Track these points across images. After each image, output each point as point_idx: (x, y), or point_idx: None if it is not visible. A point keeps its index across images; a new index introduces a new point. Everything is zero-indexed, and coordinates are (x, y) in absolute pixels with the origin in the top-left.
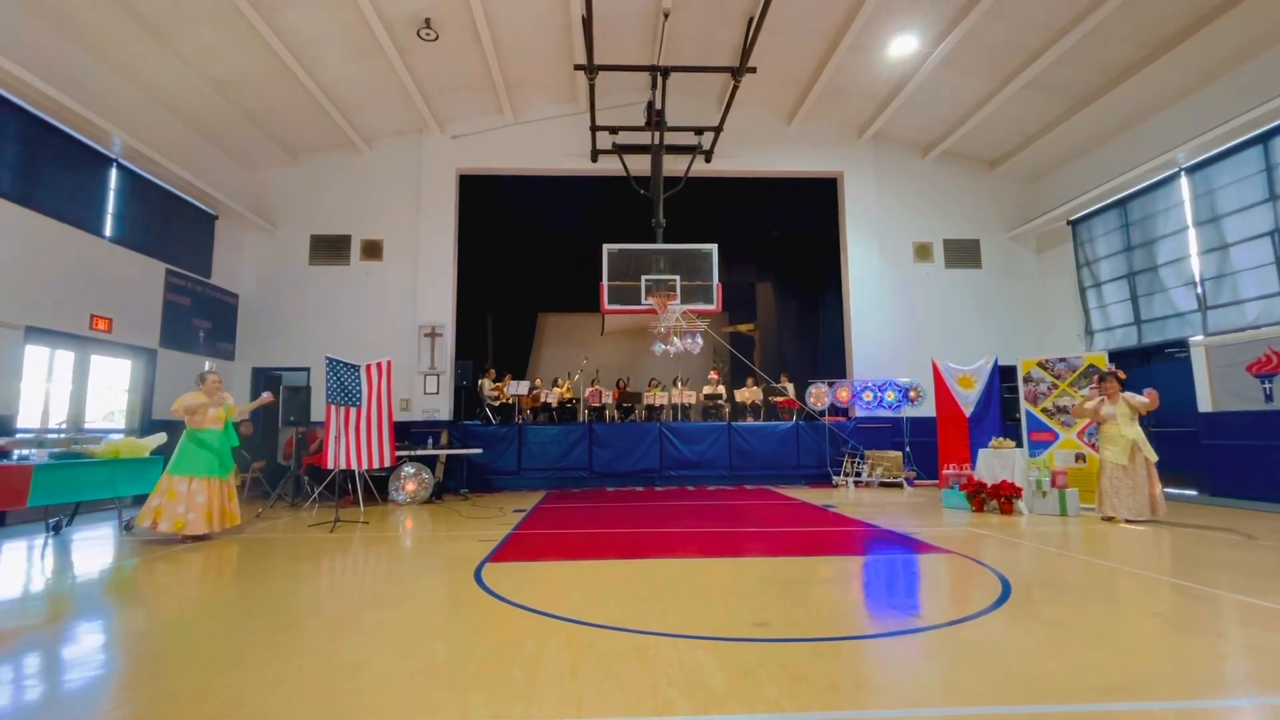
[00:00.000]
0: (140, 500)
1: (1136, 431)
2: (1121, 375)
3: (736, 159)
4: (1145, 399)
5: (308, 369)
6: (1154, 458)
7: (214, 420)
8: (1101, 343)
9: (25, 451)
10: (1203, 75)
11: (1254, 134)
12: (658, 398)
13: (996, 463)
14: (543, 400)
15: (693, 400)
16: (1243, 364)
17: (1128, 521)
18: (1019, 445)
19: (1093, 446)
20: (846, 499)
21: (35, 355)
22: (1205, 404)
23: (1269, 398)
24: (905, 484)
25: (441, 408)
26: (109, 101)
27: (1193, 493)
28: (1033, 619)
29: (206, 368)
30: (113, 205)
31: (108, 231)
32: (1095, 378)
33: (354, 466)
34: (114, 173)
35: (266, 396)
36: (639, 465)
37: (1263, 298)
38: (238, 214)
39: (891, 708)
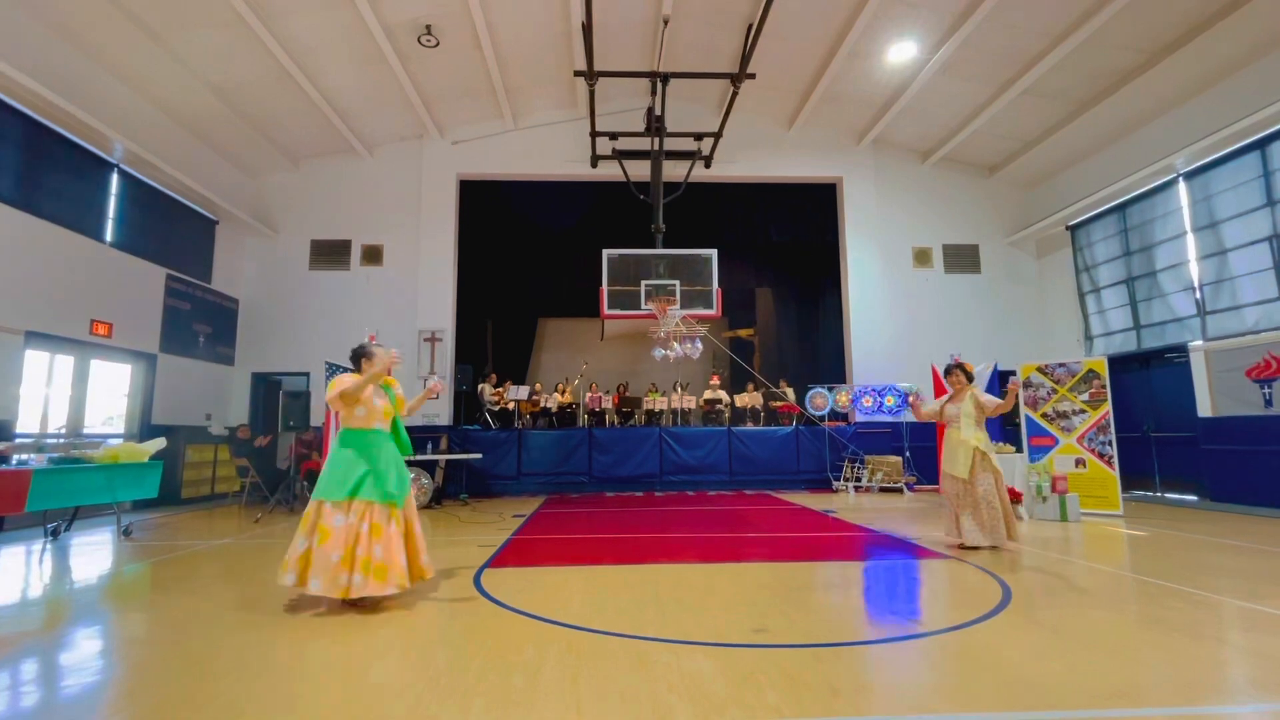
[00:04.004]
0: (139, 506)
1: (981, 437)
2: (969, 368)
3: (736, 164)
4: (994, 398)
5: (308, 374)
6: (999, 470)
7: (380, 415)
8: (1101, 348)
9: (24, 456)
10: (1200, 81)
11: (1252, 139)
12: (657, 403)
13: None
14: (542, 405)
15: (692, 405)
16: (1242, 369)
17: (975, 548)
18: (1019, 450)
19: (1093, 451)
20: (847, 504)
21: (35, 360)
22: (1205, 409)
23: (1269, 403)
24: (905, 489)
25: (441, 413)
26: (110, 107)
27: (1193, 498)
28: (1033, 624)
29: (369, 337)
30: (114, 210)
31: (108, 236)
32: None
33: None
34: (115, 178)
35: (436, 385)
36: (639, 470)
37: (1262, 303)
38: (238, 219)
39: (892, 713)
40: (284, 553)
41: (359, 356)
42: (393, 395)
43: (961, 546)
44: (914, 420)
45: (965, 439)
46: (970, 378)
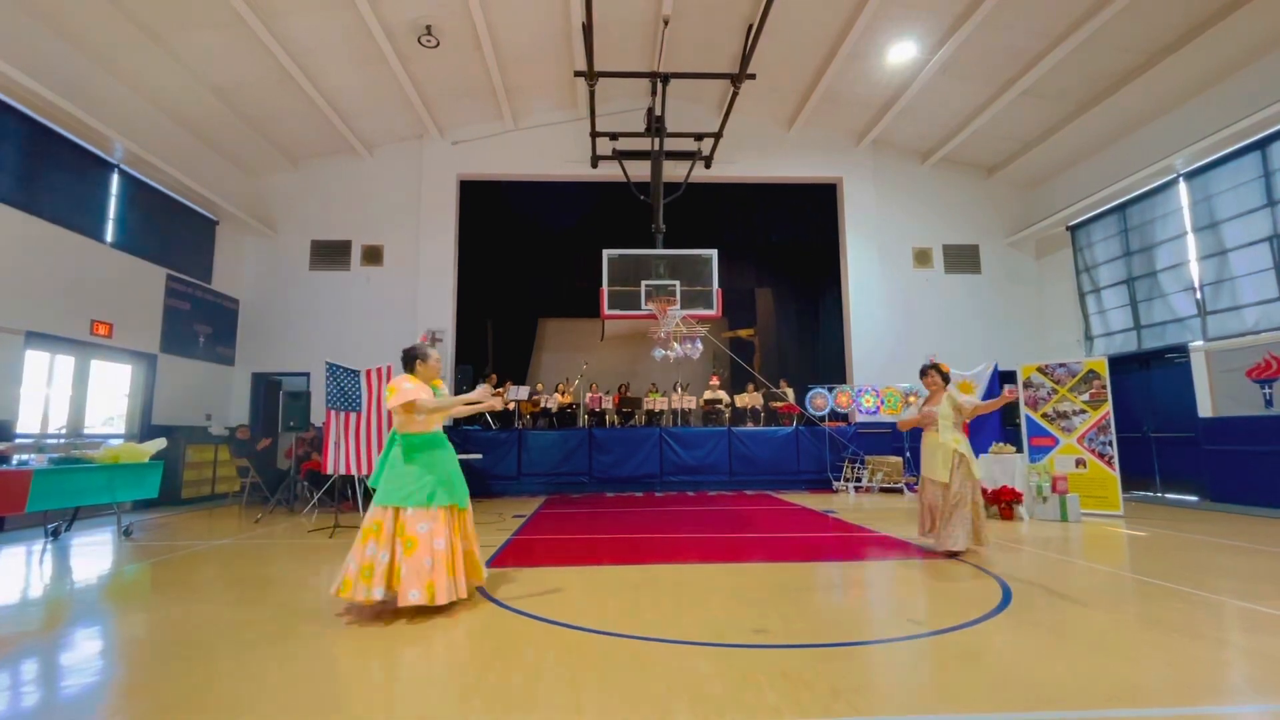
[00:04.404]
0: (140, 506)
1: (959, 439)
2: (944, 369)
3: (736, 165)
4: (972, 399)
5: (308, 374)
6: (978, 475)
7: (438, 418)
8: (1101, 348)
9: (25, 456)
10: (1200, 82)
11: (1252, 140)
12: (658, 403)
13: (997, 468)
14: (543, 405)
15: (693, 405)
16: (1243, 369)
17: (955, 553)
18: (1019, 450)
19: (1093, 451)
20: (847, 504)
21: (35, 360)
22: (1205, 409)
23: (1269, 403)
24: (906, 489)
25: None
26: (111, 107)
27: (1193, 498)
28: (1033, 625)
29: (420, 335)
30: (114, 211)
31: (109, 237)
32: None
33: (353, 472)
34: (115, 178)
35: (494, 392)
36: (639, 471)
37: (1262, 303)
38: (238, 219)
39: (892, 714)
40: (285, 553)
41: (413, 358)
42: (439, 395)
43: (949, 554)
44: None
45: (944, 442)
46: (946, 379)
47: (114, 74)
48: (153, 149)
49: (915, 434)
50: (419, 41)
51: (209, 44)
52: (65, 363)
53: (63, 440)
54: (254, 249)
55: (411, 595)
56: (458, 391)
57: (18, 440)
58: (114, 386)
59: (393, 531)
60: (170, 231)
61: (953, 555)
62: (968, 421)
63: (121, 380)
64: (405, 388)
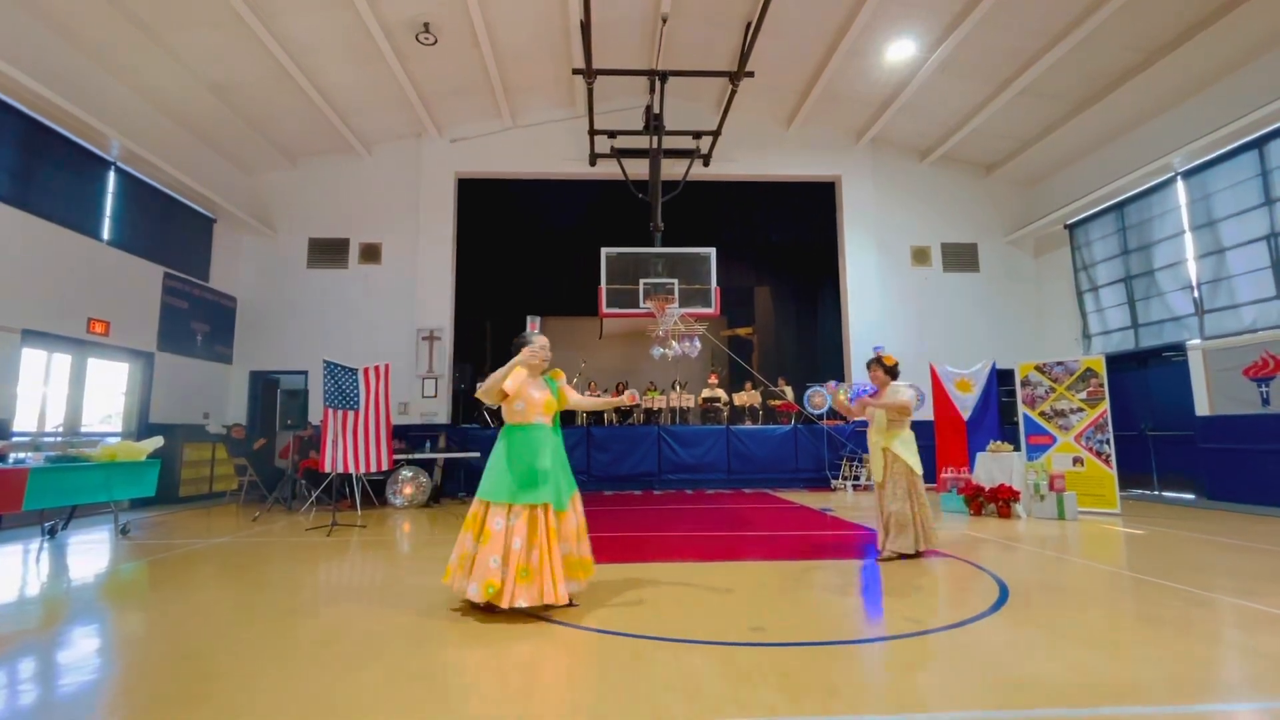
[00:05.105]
0: (137, 505)
1: (892, 437)
2: (888, 361)
3: (735, 163)
4: (900, 399)
5: (305, 372)
6: (918, 470)
7: (540, 409)
8: (1099, 346)
9: (21, 455)
10: (1198, 80)
11: (1249, 139)
12: (656, 401)
13: (994, 466)
14: None
15: (691, 404)
16: (1240, 368)
17: (903, 556)
18: (1017, 449)
19: (1090, 450)
20: (844, 503)
21: (32, 358)
22: (1203, 408)
23: (1266, 401)
24: None
25: (439, 411)
26: (107, 105)
27: (1190, 497)
28: (1030, 623)
29: (530, 325)
30: (110, 208)
31: (105, 235)
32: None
33: (351, 470)
34: (112, 176)
35: (630, 395)
36: (637, 469)
37: (1259, 301)
38: (236, 217)
39: (889, 712)
40: (282, 551)
41: (519, 347)
42: (555, 387)
43: (899, 555)
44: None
45: (875, 440)
46: (892, 373)
47: (111, 71)
48: (150, 147)
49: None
50: (417, 39)
51: (206, 42)
52: (62, 361)
53: (59, 438)
54: (252, 247)
55: (470, 590)
56: (455, 391)
57: (14, 439)
58: (111, 385)
59: (481, 523)
60: (167, 229)
61: (904, 557)
62: (902, 414)
63: (119, 379)
64: (497, 374)
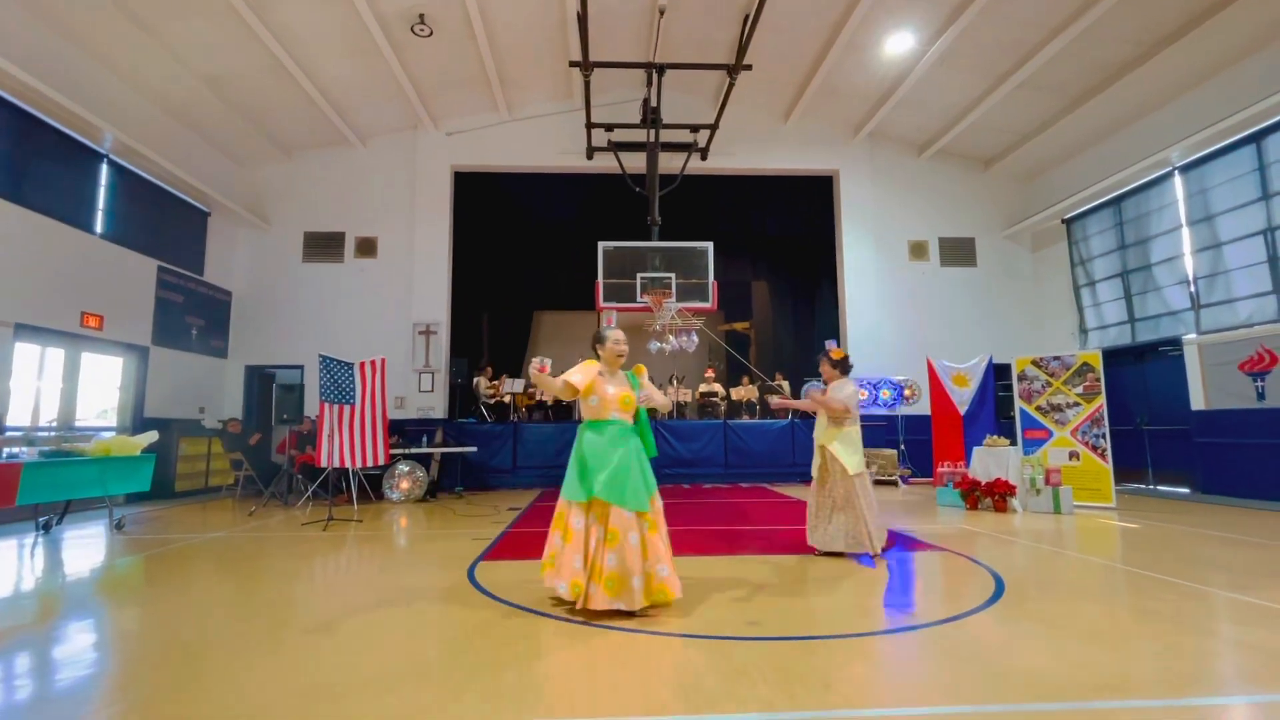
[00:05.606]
0: (133, 499)
1: (830, 437)
2: (836, 355)
3: (732, 157)
4: (838, 398)
5: (301, 367)
6: (852, 471)
7: (616, 405)
8: (1095, 341)
9: (15, 449)
10: (1196, 74)
11: (1247, 133)
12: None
13: (991, 460)
14: (538, 399)
15: (688, 398)
16: (1235, 362)
17: (827, 554)
18: (1013, 443)
19: (1086, 444)
20: None
21: (25, 353)
22: (1198, 402)
23: (1261, 396)
24: (900, 482)
25: (436, 406)
26: (99, 97)
27: (1185, 491)
28: (1026, 617)
29: (604, 320)
30: (103, 201)
31: (98, 228)
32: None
33: (348, 465)
34: (105, 169)
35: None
36: None
37: (1255, 296)
38: (230, 210)
39: (885, 706)
40: (279, 546)
41: (594, 343)
42: (636, 383)
43: (827, 553)
44: (909, 414)
45: (817, 436)
46: (840, 367)
47: (102, 62)
48: (143, 139)
49: (912, 427)
50: (412, 30)
51: (199, 33)
52: (55, 355)
53: (53, 433)
54: (246, 240)
55: (560, 588)
56: (452, 386)
57: (7, 433)
58: (106, 379)
59: (566, 522)
60: (161, 223)
61: (833, 555)
62: (836, 413)
63: (113, 373)
64: (570, 371)
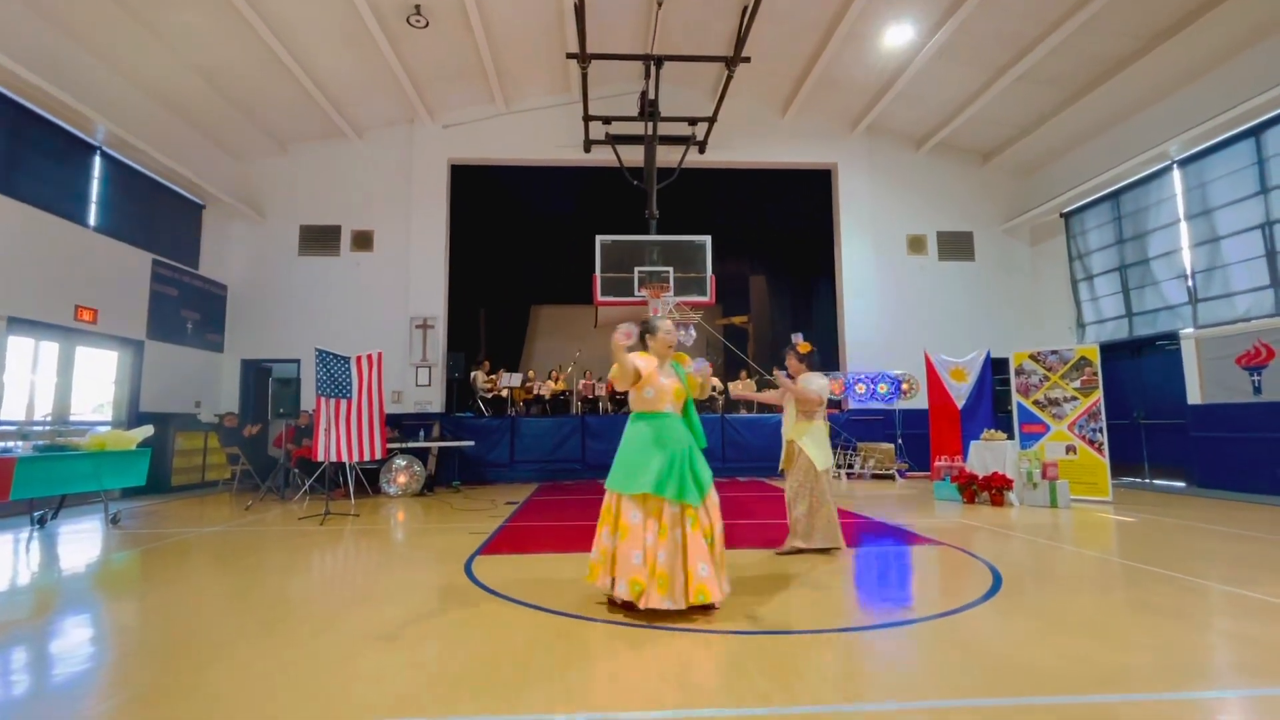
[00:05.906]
0: (129, 494)
1: (799, 431)
2: (802, 349)
3: (730, 150)
4: (810, 389)
5: (298, 360)
6: (821, 466)
7: (670, 396)
8: (1093, 335)
9: (9, 444)
10: (1196, 68)
11: (1246, 127)
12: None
13: (988, 455)
14: (535, 393)
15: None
16: (1232, 356)
17: (798, 551)
18: (1010, 437)
19: (1083, 438)
20: (839, 491)
21: (18, 346)
22: (1195, 396)
23: (1258, 390)
24: (897, 476)
25: (433, 400)
26: (93, 89)
27: (1181, 484)
28: (1023, 610)
29: (653, 310)
30: (97, 194)
31: (92, 221)
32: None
33: (344, 459)
34: (98, 161)
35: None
36: None
37: (1253, 290)
38: (225, 204)
39: (882, 700)
40: (276, 540)
41: (644, 333)
42: (683, 374)
43: (784, 550)
44: (907, 408)
45: (785, 430)
46: (806, 361)
47: (96, 54)
48: (136, 131)
49: (910, 421)
50: (408, 21)
51: (193, 24)
52: (50, 349)
53: (48, 427)
54: (242, 234)
55: (619, 588)
56: (449, 380)
57: (2, 427)
58: (101, 373)
59: (615, 516)
60: (156, 216)
61: (823, 551)
62: (810, 404)
63: (108, 367)
64: (634, 355)
